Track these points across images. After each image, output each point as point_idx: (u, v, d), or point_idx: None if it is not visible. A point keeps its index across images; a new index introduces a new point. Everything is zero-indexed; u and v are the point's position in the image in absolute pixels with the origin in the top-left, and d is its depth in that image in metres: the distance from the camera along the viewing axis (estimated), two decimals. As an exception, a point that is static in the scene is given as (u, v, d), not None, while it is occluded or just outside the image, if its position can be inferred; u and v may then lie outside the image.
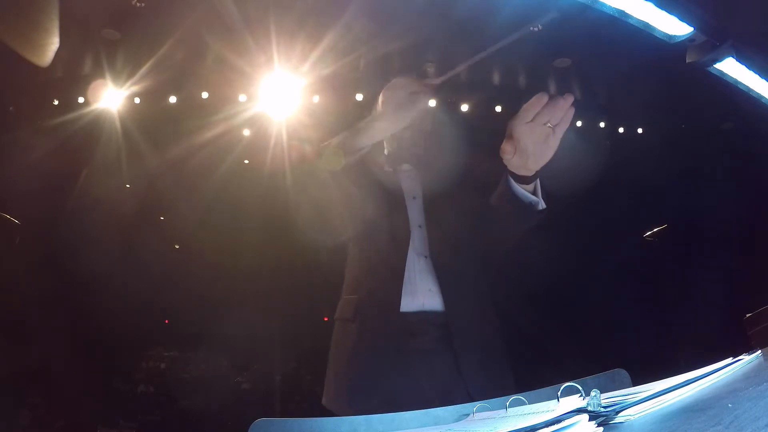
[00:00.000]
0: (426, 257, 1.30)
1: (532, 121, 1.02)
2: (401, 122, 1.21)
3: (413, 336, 1.23)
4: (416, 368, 1.21)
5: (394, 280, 1.26)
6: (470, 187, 1.36)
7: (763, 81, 1.08)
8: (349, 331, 1.30)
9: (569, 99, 1.02)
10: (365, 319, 1.27)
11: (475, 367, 1.22)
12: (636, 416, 0.47)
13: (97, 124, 3.37)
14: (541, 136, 1.03)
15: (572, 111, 1.03)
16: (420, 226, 1.34)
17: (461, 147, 1.43)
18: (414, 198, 1.38)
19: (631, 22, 0.98)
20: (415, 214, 1.36)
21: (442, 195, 1.35)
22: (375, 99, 1.48)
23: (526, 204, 1.16)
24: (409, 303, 1.25)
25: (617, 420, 0.47)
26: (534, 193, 1.17)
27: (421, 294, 1.26)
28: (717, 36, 0.96)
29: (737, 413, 0.38)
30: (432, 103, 3.57)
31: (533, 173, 1.12)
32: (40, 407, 3.55)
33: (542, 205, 1.18)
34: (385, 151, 1.48)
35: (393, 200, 1.35)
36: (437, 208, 1.35)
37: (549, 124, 1.02)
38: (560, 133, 1.04)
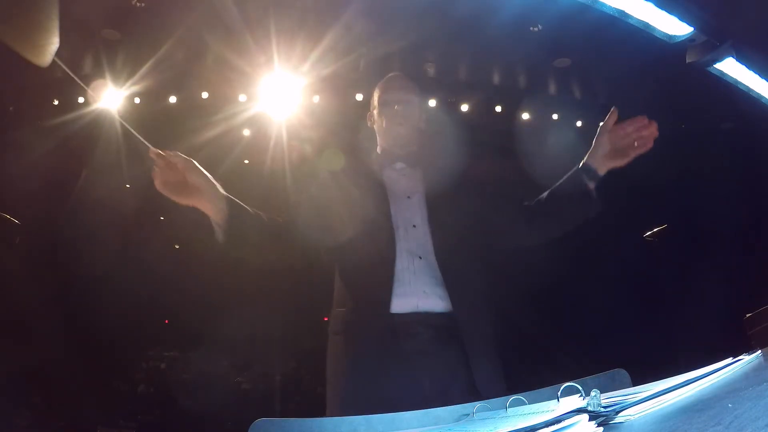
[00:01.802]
0: (420, 258, 1.27)
1: (625, 133, 1.25)
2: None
3: (405, 338, 1.21)
4: (409, 371, 1.19)
5: (382, 281, 1.23)
6: (469, 186, 1.34)
7: (763, 81, 1.08)
8: (339, 344, 1.29)
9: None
10: (353, 330, 1.25)
11: (484, 366, 1.21)
12: (636, 416, 0.47)
13: (97, 124, 3.37)
14: (627, 147, 1.26)
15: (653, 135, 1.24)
16: (414, 226, 1.31)
17: (460, 146, 1.42)
18: (408, 197, 1.35)
19: (631, 22, 0.98)
20: (410, 213, 1.32)
21: (439, 194, 1.32)
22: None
23: (587, 194, 1.30)
24: (402, 304, 1.22)
25: (617, 420, 0.47)
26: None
27: (415, 295, 1.23)
28: (717, 36, 0.96)
29: (737, 413, 0.38)
30: (431, 102, 3.59)
31: (602, 173, 1.30)
32: (40, 407, 3.55)
33: (597, 205, 1.32)
34: (378, 149, 1.45)
35: (380, 201, 1.32)
36: (434, 208, 1.32)
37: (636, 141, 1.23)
38: (639, 151, 1.25)
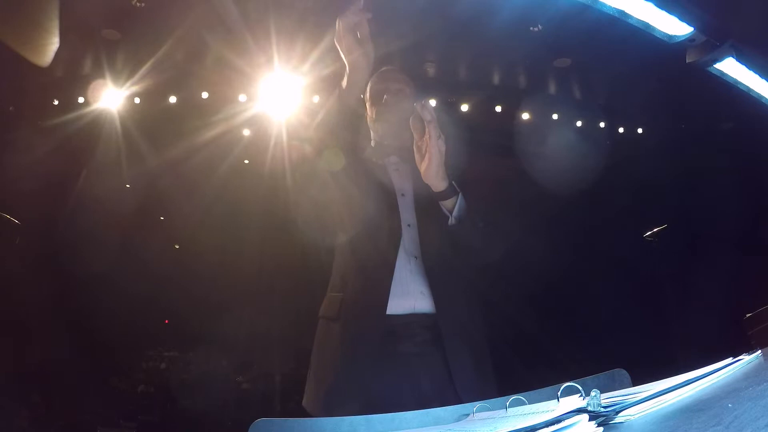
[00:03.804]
0: (416, 258, 1.26)
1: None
2: (364, 58, 1.17)
3: (401, 339, 1.20)
4: (403, 371, 1.18)
5: (382, 281, 1.21)
6: (465, 186, 1.30)
7: (763, 81, 1.08)
8: (332, 331, 1.26)
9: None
10: (349, 319, 1.23)
11: (466, 370, 1.20)
12: (636, 416, 0.47)
13: (97, 124, 3.37)
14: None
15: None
16: (409, 225, 1.29)
17: (456, 145, 1.41)
18: (402, 195, 1.32)
19: (631, 22, 0.98)
20: (404, 212, 1.30)
21: (431, 194, 1.27)
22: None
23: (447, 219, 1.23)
24: (400, 305, 1.21)
25: (617, 420, 0.47)
26: (452, 210, 1.22)
27: (412, 296, 1.22)
28: (717, 36, 0.96)
29: (737, 413, 0.38)
30: (432, 102, 3.59)
31: (439, 188, 1.21)
32: (40, 407, 3.55)
33: (451, 221, 1.22)
34: (372, 143, 1.43)
35: (386, 198, 1.29)
36: (428, 207, 1.28)
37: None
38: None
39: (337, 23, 1.15)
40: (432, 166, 1.16)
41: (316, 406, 1.22)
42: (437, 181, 1.19)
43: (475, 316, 1.31)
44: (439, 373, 1.19)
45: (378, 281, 1.23)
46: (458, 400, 1.01)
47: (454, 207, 1.21)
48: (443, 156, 1.16)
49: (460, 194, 1.21)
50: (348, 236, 1.29)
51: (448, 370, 1.19)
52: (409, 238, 1.28)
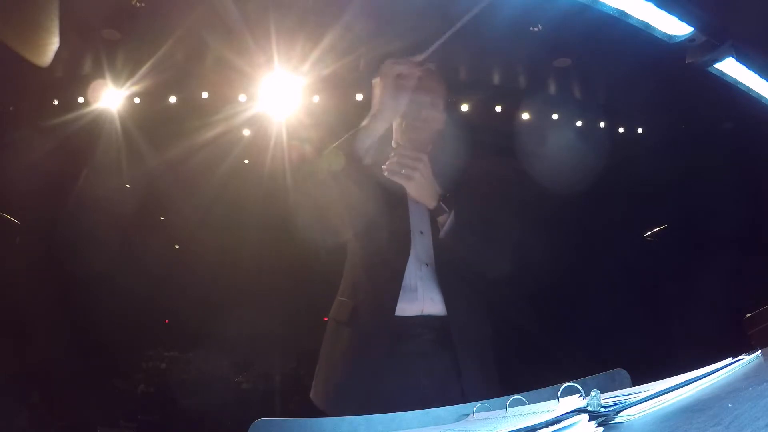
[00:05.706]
0: (427, 265, 1.27)
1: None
2: (395, 110, 1.25)
3: (408, 339, 1.22)
4: (409, 371, 1.20)
5: (392, 284, 1.23)
6: (471, 190, 1.31)
7: (763, 81, 1.08)
8: (343, 334, 1.29)
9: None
10: (360, 323, 1.25)
11: (474, 371, 1.22)
12: (636, 416, 0.47)
13: (97, 124, 3.37)
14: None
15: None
16: (422, 233, 1.30)
17: (461, 148, 1.40)
18: (416, 202, 1.31)
19: (631, 22, 0.98)
20: (417, 219, 1.31)
21: (444, 199, 1.28)
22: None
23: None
24: (408, 310, 1.23)
25: (617, 420, 0.47)
26: (444, 224, 1.27)
27: (421, 302, 1.24)
28: (717, 36, 0.96)
29: (737, 413, 0.38)
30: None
31: (431, 205, 1.28)
32: (40, 407, 3.55)
33: (441, 234, 1.27)
34: (393, 143, 1.39)
35: (394, 201, 1.29)
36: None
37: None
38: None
39: (384, 66, 1.21)
40: (419, 190, 1.25)
41: (323, 400, 1.25)
42: (427, 201, 1.26)
43: (480, 317, 1.32)
44: (444, 374, 1.21)
45: (387, 291, 1.24)
46: (463, 400, 1.01)
47: (446, 222, 1.26)
48: (428, 179, 1.24)
49: (450, 212, 1.26)
50: (358, 240, 1.30)
51: (453, 370, 1.20)
52: (421, 245, 1.29)
